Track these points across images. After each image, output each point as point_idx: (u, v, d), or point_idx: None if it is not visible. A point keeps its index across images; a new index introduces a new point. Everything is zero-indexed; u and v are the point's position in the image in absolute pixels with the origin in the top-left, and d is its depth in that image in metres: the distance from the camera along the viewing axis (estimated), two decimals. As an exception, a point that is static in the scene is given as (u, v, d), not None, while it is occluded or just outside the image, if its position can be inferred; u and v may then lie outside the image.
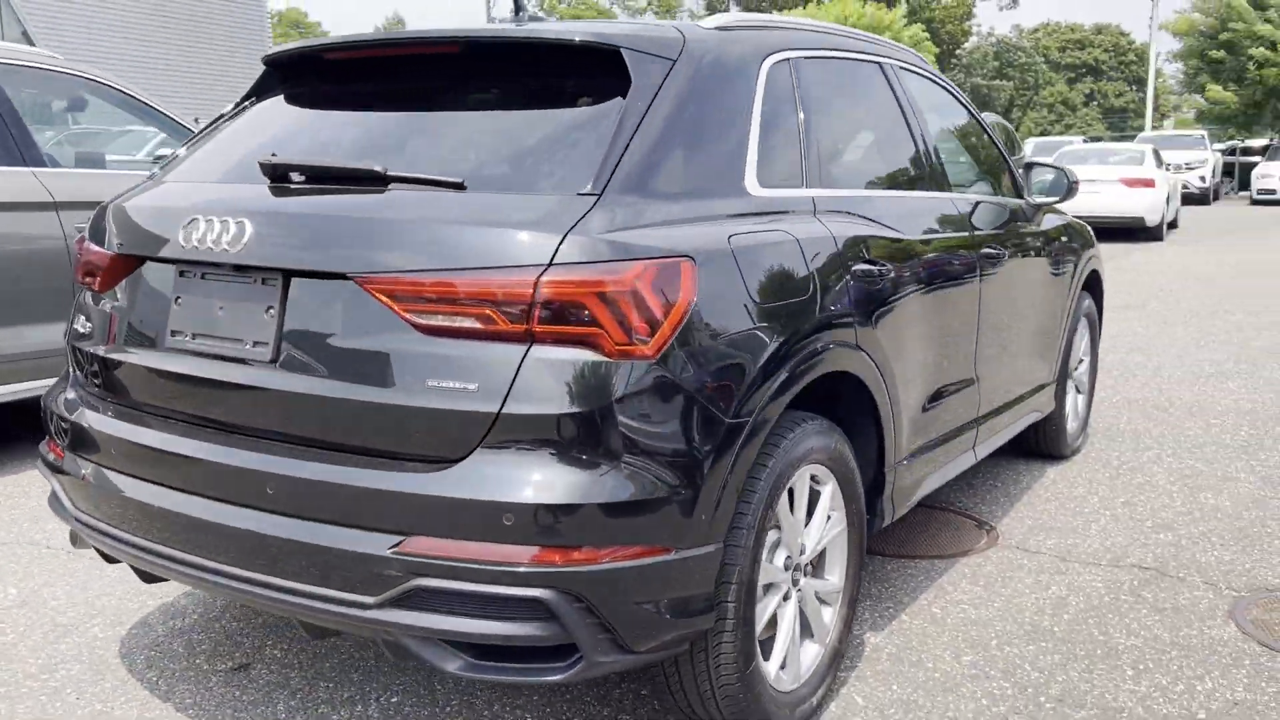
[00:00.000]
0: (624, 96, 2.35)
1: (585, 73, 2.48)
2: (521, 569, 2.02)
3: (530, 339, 2.05)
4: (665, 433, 2.12)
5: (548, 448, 2.05)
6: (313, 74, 2.95)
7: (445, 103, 2.64)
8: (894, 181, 3.48)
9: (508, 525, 2.02)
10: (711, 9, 52.41)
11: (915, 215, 3.34)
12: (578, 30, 2.54)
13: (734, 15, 2.94)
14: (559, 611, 2.03)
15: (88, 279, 2.73)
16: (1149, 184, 15.42)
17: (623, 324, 2.07)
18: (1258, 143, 25.29)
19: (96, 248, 2.71)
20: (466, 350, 2.08)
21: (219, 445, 2.34)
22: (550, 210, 2.15)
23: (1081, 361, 5.03)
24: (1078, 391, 5.05)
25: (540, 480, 2.03)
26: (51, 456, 2.74)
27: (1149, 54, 31.15)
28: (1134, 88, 72.40)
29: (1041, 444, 4.84)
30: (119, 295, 2.63)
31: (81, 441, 2.63)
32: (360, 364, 2.17)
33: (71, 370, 2.81)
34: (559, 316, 2.05)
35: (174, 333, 2.46)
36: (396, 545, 2.07)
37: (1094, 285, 5.07)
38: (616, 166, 2.23)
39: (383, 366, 2.14)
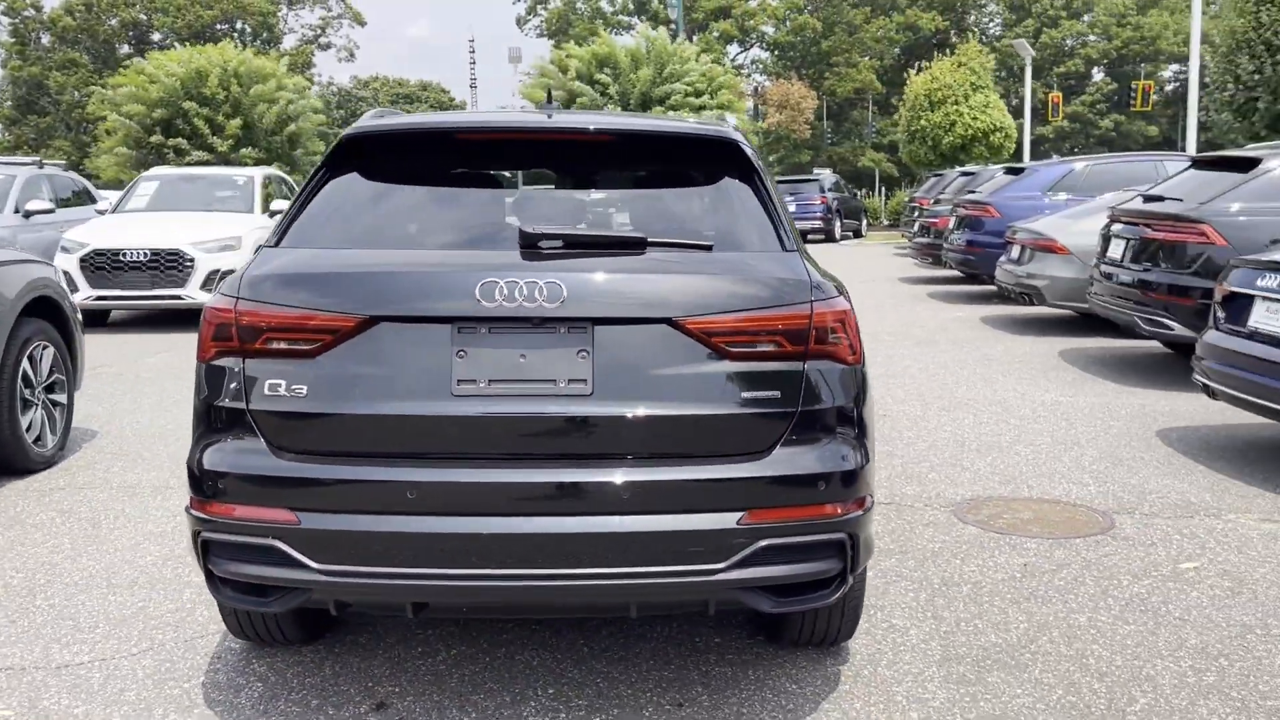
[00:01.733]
0: (748, 171, 3.20)
1: (710, 157, 3.26)
2: (830, 520, 2.83)
3: (805, 357, 2.87)
4: (870, 416, 3.07)
5: (830, 431, 2.89)
6: (444, 150, 3.28)
7: (603, 180, 3.23)
8: None
9: (820, 490, 2.82)
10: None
11: None
12: (704, 126, 3.32)
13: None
14: (845, 549, 2.88)
15: (283, 343, 2.81)
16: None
17: (849, 341, 2.98)
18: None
19: (309, 311, 2.80)
20: (766, 368, 2.83)
21: (541, 469, 2.74)
22: (786, 262, 2.98)
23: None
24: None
25: (835, 455, 2.87)
26: (274, 524, 2.75)
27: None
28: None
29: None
30: (352, 355, 2.79)
31: (333, 497, 2.74)
32: (679, 387, 2.79)
33: (265, 435, 2.82)
34: (821, 339, 2.90)
35: (461, 382, 2.76)
36: (742, 518, 2.75)
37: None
38: (781, 226, 3.11)
39: (704, 387, 2.79)
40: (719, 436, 2.81)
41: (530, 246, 2.88)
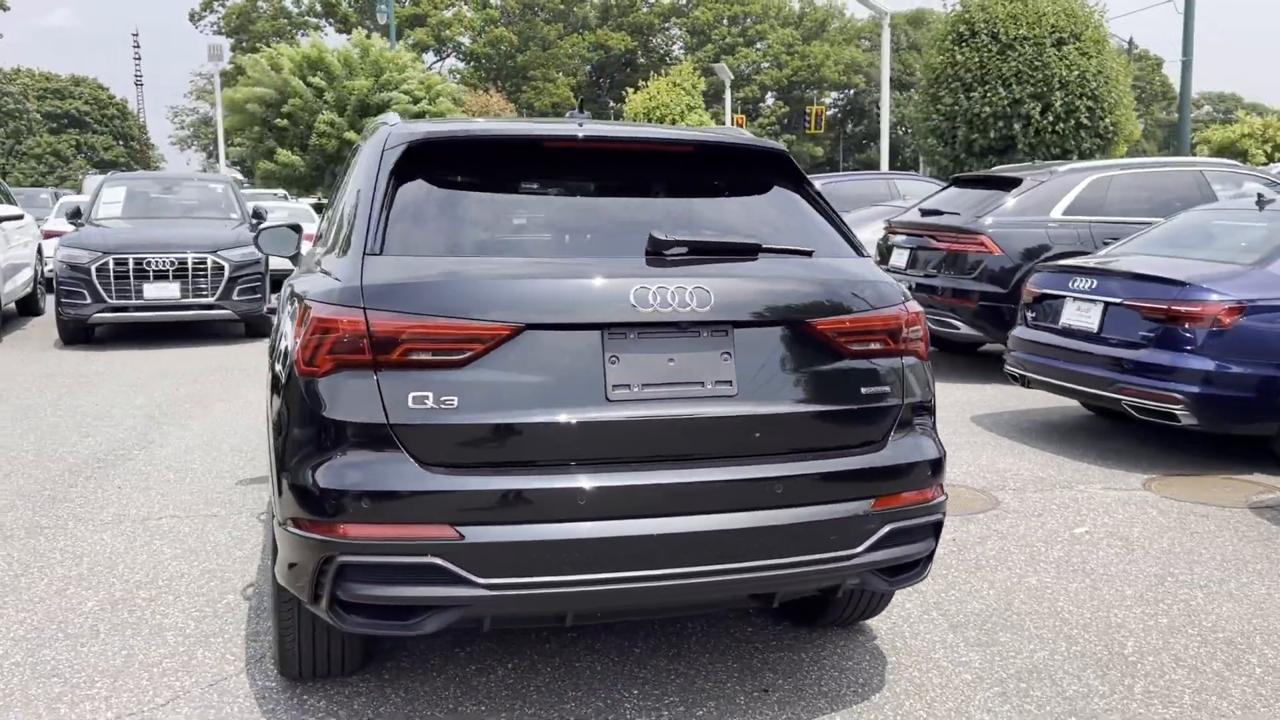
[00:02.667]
0: (799, 180, 3.42)
1: (763, 168, 3.43)
2: (930, 503, 3.12)
3: (902, 354, 3.15)
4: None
5: (922, 422, 3.18)
6: (522, 158, 3.23)
7: (671, 189, 3.32)
8: None
9: (926, 476, 3.10)
10: None
11: None
12: (752, 138, 3.49)
13: None
14: (938, 530, 3.17)
15: (427, 353, 2.70)
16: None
17: (924, 338, 3.28)
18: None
19: (458, 320, 2.71)
20: (878, 365, 3.07)
21: (697, 469, 2.82)
22: (870, 266, 3.23)
23: None
24: None
25: (931, 443, 3.16)
26: (433, 541, 2.64)
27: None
28: (120, 141, 73.49)
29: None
30: (501, 364, 2.73)
31: (498, 510, 2.68)
32: (811, 385, 2.97)
33: (412, 449, 2.69)
34: (909, 337, 3.18)
35: (616, 387, 2.78)
36: (872, 505, 2.97)
37: None
38: (849, 233, 3.37)
39: (831, 384, 3.00)
40: (846, 430, 3.01)
41: (657, 253, 2.95)
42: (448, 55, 65.72)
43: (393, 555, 2.67)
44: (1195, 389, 5.90)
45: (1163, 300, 6.06)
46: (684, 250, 2.97)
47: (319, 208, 29.23)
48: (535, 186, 3.27)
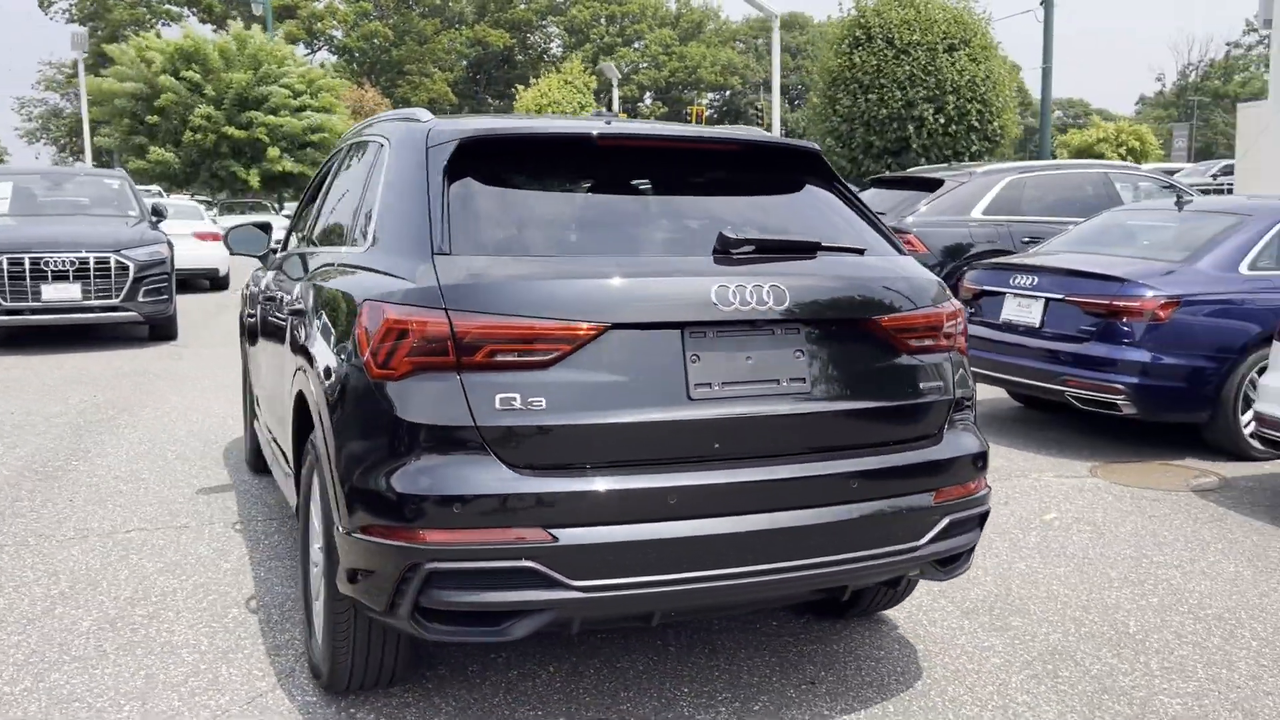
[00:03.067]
0: (831, 179, 3.48)
1: (799, 166, 3.48)
2: (979, 495, 3.22)
3: (949, 349, 3.24)
4: None
5: (967, 415, 3.28)
6: (578, 156, 3.20)
7: (714, 187, 3.33)
8: None
9: (976, 468, 3.20)
10: None
11: None
12: (784, 139, 3.53)
13: None
14: (983, 521, 3.28)
15: (513, 354, 2.66)
16: (217, 238, 16.69)
17: (964, 334, 3.37)
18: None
19: (545, 321, 2.67)
20: (931, 360, 3.16)
21: (778, 466, 2.85)
22: (915, 264, 3.31)
23: None
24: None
25: (978, 436, 3.27)
26: (528, 544, 2.59)
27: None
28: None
29: None
30: (586, 364, 2.70)
31: (590, 511, 2.65)
32: (877, 380, 3.04)
33: (499, 452, 2.64)
34: (953, 333, 3.27)
35: (698, 385, 2.78)
36: (934, 497, 3.05)
37: None
38: (888, 232, 3.45)
39: (894, 379, 3.07)
40: (907, 424, 3.08)
41: (725, 251, 2.96)
42: (319, 48, 64.00)
43: (486, 560, 2.62)
44: (1135, 380, 6.23)
45: (1103, 296, 6.37)
46: (751, 248, 2.99)
47: (260, 207, 28.19)
48: (589, 184, 3.24)
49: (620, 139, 3.25)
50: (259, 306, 4.88)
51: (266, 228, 5.16)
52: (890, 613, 3.97)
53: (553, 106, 29.33)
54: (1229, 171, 24.07)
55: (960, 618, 3.95)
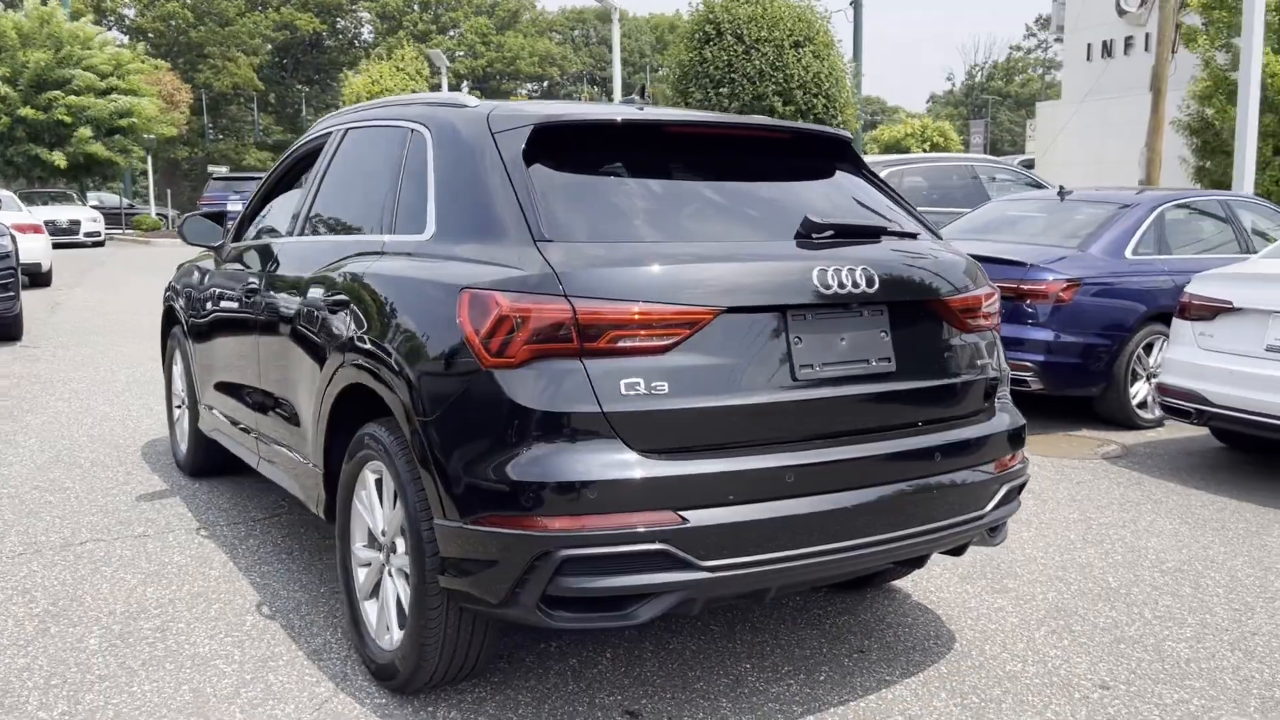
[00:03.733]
0: (860, 165, 3.63)
1: (832, 154, 3.60)
2: (1022, 465, 3.43)
3: (992, 328, 3.43)
4: None
5: (1006, 390, 3.48)
6: (643, 144, 3.21)
7: (764, 173, 3.40)
8: None
9: (1019, 440, 3.41)
10: None
11: None
12: (817, 126, 3.64)
13: None
14: (1022, 491, 3.50)
15: (635, 339, 2.66)
16: (38, 230, 15.43)
17: (999, 312, 3.56)
18: None
19: (668, 306, 2.68)
20: (983, 339, 3.34)
21: (875, 443, 2.97)
22: (954, 247, 3.48)
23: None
24: None
25: (1016, 410, 3.47)
26: (661, 527, 2.60)
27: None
28: None
29: None
30: (701, 347, 2.73)
31: (714, 492, 2.68)
32: (946, 358, 3.20)
33: (626, 436, 2.63)
34: (992, 313, 3.45)
35: (802, 367, 2.86)
36: (995, 467, 3.24)
37: None
38: (919, 216, 3.62)
39: (959, 356, 3.24)
40: (969, 400, 3.25)
41: (808, 235, 3.05)
42: (109, 28, 59.83)
43: (618, 545, 2.61)
44: (1041, 357, 6.71)
45: (1012, 280, 6.81)
46: (830, 232, 3.09)
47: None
48: (658, 171, 3.24)
49: (686, 126, 3.29)
50: (226, 301, 4.62)
51: (220, 218, 4.88)
52: (898, 583, 4.17)
53: (386, 93, 28.49)
54: (1030, 165, 26.00)
55: (960, 584, 4.18)
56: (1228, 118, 14.33)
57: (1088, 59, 29.63)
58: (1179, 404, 5.86)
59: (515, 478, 2.64)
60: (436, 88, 31.56)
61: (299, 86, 65.08)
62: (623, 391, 2.66)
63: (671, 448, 2.71)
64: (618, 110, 3.41)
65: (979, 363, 3.30)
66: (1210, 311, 5.76)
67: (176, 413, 5.72)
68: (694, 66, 17.43)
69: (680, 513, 2.66)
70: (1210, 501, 5.37)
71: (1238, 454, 6.41)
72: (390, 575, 3.17)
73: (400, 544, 3.08)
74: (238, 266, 4.62)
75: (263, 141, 58.80)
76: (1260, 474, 5.94)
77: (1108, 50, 29.04)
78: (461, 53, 67.01)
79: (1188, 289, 5.99)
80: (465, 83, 68.37)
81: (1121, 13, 28.14)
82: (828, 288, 2.92)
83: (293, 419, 3.84)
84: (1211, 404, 5.65)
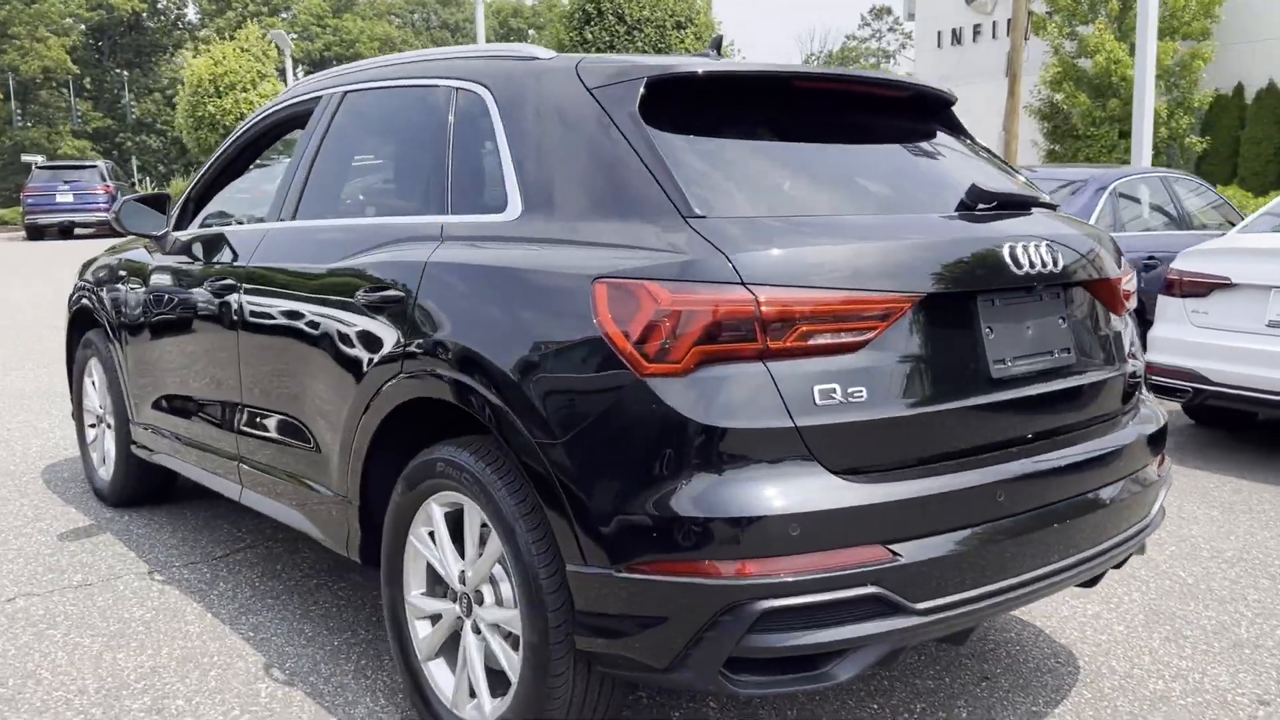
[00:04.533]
0: (962, 130, 3.20)
1: (945, 118, 3.12)
2: (1166, 464, 3.06)
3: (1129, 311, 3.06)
4: None
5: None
6: (777, 100, 2.69)
7: (905, 134, 2.93)
8: None
9: (1165, 434, 3.01)
10: None
11: None
12: (939, 88, 3.17)
13: None
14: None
15: (826, 335, 2.17)
16: None
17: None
18: None
19: (864, 293, 2.19)
20: (1128, 322, 2.97)
21: (1066, 447, 2.56)
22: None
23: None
24: None
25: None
26: (871, 566, 2.12)
27: None
28: None
29: None
30: (894, 343, 2.26)
31: (924, 519, 2.22)
32: (1110, 345, 2.81)
33: (822, 456, 2.13)
34: (1131, 292, 3.08)
35: (996, 363, 2.42)
36: (1156, 467, 2.88)
37: None
38: (1033, 183, 3.23)
39: (1118, 343, 2.86)
40: (1129, 392, 2.88)
41: (971, 207, 2.62)
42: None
43: (824, 591, 2.11)
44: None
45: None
46: (994, 204, 2.66)
47: None
48: (793, 132, 2.73)
49: (814, 81, 2.80)
50: (181, 300, 3.84)
51: (161, 200, 4.08)
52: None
53: (230, 75, 26.65)
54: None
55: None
56: (1077, 102, 14.75)
57: (938, 46, 30.43)
58: (1172, 383, 5.72)
59: (687, 512, 2.10)
60: (283, 70, 29.80)
61: (118, 70, 60.85)
62: (817, 401, 2.15)
63: (871, 467, 2.22)
64: (734, 62, 2.88)
65: (1130, 349, 2.94)
66: (1204, 288, 5.64)
67: (92, 433, 4.86)
68: (574, 48, 16.85)
69: (890, 547, 2.18)
70: (1223, 483, 5.24)
71: (1216, 432, 6.36)
72: (476, 631, 2.58)
73: (490, 593, 2.50)
74: (191, 259, 3.86)
75: (80, 130, 54.69)
76: (1244, 449, 5.89)
77: (957, 38, 29.90)
78: (295, 35, 64.06)
79: (1175, 265, 5.87)
80: (300, 67, 65.39)
81: (969, 1, 29.00)
82: (1020, 268, 2.49)
83: (304, 441, 3.16)
84: (1211, 382, 5.53)
